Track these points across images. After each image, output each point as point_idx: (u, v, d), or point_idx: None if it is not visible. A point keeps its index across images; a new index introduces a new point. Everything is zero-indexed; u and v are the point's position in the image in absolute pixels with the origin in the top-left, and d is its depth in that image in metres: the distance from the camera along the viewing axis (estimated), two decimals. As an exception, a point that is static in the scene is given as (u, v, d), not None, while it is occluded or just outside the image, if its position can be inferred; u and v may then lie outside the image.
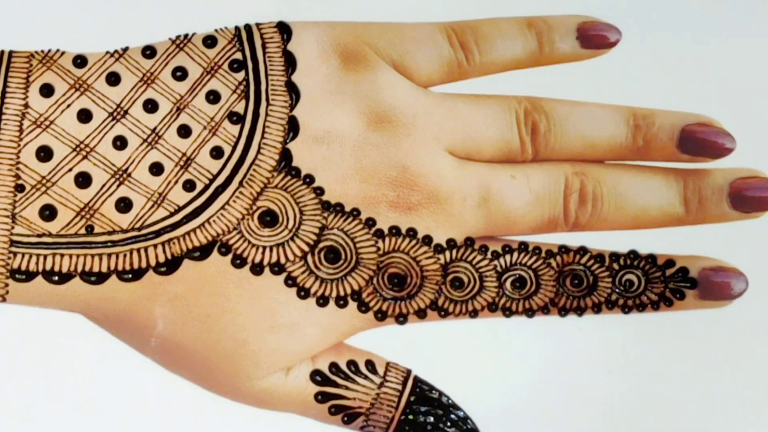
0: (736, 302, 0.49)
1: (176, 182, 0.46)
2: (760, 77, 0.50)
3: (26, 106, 0.46)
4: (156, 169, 0.46)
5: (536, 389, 0.48)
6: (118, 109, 0.47)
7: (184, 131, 0.47)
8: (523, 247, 0.48)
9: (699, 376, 0.49)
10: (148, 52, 0.48)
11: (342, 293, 0.47)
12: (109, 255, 0.46)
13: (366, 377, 0.48)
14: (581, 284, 0.48)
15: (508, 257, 0.48)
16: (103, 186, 0.46)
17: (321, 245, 0.47)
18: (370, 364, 0.48)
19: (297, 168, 0.47)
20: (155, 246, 0.46)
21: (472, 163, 0.49)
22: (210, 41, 0.48)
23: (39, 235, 0.46)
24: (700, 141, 0.50)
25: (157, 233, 0.46)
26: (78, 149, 0.46)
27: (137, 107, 0.47)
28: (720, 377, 0.49)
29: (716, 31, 0.50)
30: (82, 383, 0.48)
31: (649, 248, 0.49)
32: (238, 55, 0.48)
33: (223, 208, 0.47)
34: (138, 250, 0.46)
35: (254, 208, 0.47)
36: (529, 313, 0.48)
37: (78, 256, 0.46)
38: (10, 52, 0.47)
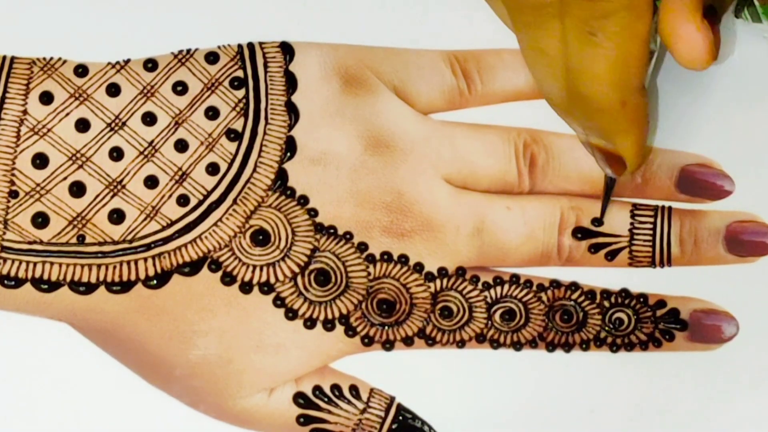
0: (727, 344, 0.49)
1: (170, 196, 0.47)
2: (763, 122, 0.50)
3: (25, 112, 0.46)
4: (151, 182, 0.46)
5: (519, 424, 0.48)
6: (117, 121, 0.47)
7: (181, 146, 0.47)
8: (515, 279, 0.48)
9: (685, 418, 0.48)
10: (150, 65, 0.48)
11: (330, 316, 0.47)
12: (99, 266, 0.46)
13: (349, 402, 0.48)
14: (571, 320, 0.48)
15: (498, 289, 0.48)
16: (97, 196, 0.46)
17: (311, 267, 0.47)
18: (354, 389, 0.48)
19: (292, 188, 0.47)
20: (145, 259, 0.46)
21: (468, 193, 0.48)
22: (212, 57, 0.48)
23: (30, 242, 0.46)
24: (698, 182, 0.49)
25: (148, 246, 0.46)
26: (74, 158, 0.46)
27: (136, 119, 0.47)
28: (708, 420, 0.49)
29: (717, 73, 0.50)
30: (63, 393, 0.48)
31: (641, 287, 0.49)
32: (240, 73, 0.48)
33: (215, 224, 0.47)
34: (128, 263, 0.46)
35: (247, 226, 0.47)
36: (517, 346, 0.48)
37: (68, 265, 0.46)
38: (12, 58, 0.47)
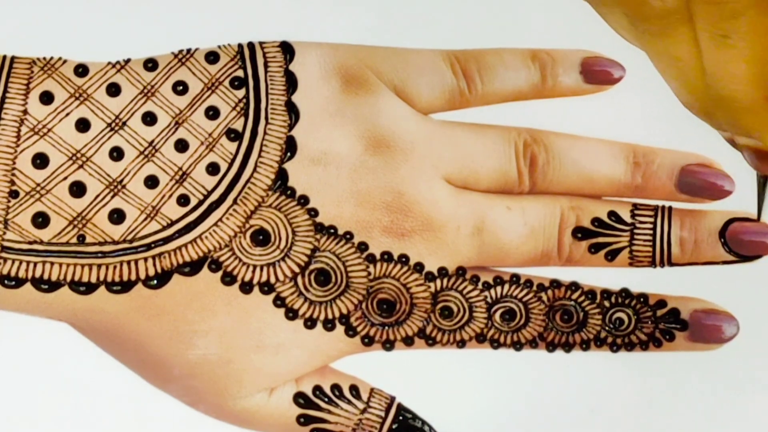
0: (727, 345, 0.49)
1: (170, 196, 0.46)
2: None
3: (25, 112, 0.46)
4: (151, 182, 0.46)
5: (519, 424, 0.48)
6: (117, 120, 0.47)
7: (182, 146, 0.47)
8: (515, 279, 0.48)
9: (685, 418, 0.48)
10: (150, 64, 0.48)
11: (330, 316, 0.47)
12: (99, 266, 0.46)
13: (349, 402, 0.48)
14: (571, 320, 0.48)
15: (498, 288, 0.48)
16: (97, 196, 0.46)
17: (312, 267, 0.47)
18: (354, 389, 0.48)
19: (292, 188, 0.47)
20: (146, 259, 0.46)
21: (469, 193, 0.48)
22: (212, 57, 0.48)
23: (30, 242, 0.46)
24: (699, 182, 0.49)
25: (149, 246, 0.46)
26: (74, 158, 0.46)
27: (136, 119, 0.47)
28: (708, 420, 0.49)
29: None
30: (64, 393, 0.48)
31: (642, 287, 0.49)
32: (240, 73, 0.48)
33: (215, 224, 0.46)
34: (128, 263, 0.46)
35: (247, 226, 0.47)
36: (517, 346, 0.48)
37: (68, 265, 0.46)
38: (12, 58, 0.47)
